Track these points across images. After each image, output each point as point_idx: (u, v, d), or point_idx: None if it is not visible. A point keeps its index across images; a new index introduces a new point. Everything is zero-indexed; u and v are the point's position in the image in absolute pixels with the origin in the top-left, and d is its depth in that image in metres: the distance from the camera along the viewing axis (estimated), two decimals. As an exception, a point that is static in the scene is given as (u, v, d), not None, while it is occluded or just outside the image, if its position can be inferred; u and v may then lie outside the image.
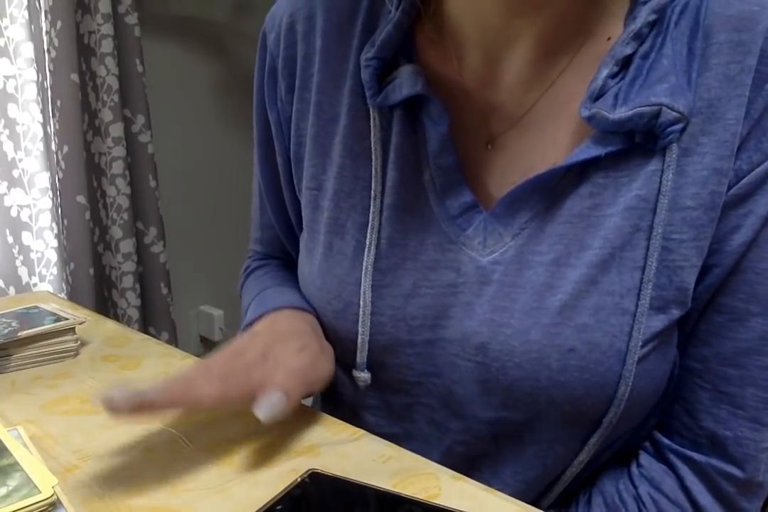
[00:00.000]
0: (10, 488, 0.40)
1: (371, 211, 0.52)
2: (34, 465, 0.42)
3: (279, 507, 0.38)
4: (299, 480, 0.40)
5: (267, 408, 0.44)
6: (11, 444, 0.44)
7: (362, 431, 0.50)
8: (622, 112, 0.43)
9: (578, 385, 0.46)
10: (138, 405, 0.41)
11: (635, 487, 0.51)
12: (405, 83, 0.49)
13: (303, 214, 0.58)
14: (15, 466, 0.42)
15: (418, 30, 0.53)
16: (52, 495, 0.39)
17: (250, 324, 0.57)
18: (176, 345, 1.65)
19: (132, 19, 1.52)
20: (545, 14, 0.47)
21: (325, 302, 0.55)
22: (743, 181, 0.45)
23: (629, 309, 0.46)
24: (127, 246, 1.59)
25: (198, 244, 1.89)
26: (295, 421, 0.50)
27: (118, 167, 1.54)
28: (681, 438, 0.51)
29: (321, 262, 0.55)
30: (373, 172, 0.52)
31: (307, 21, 0.55)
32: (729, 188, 0.45)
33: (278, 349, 0.49)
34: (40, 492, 0.39)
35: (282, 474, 0.45)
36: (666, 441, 0.51)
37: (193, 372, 0.45)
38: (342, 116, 0.53)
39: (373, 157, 0.52)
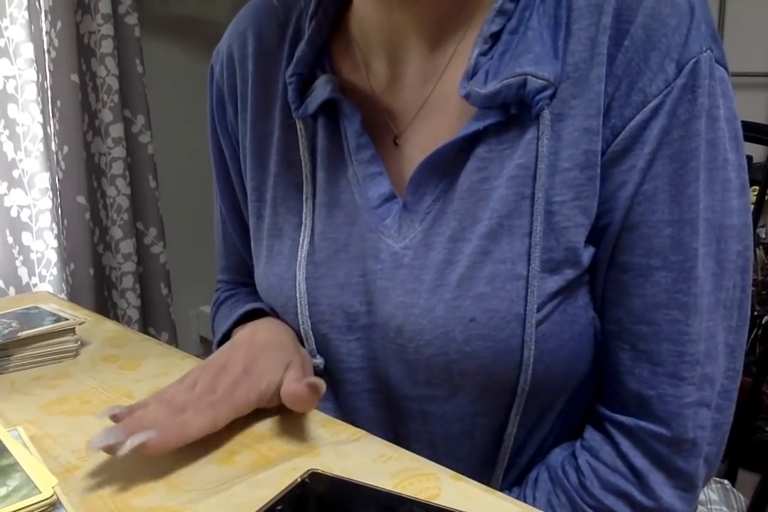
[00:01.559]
0: (10, 488, 0.40)
1: (304, 212, 0.56)
2: (34, 465, 0.42)
3: (279, 507, 0.38)
4: (299, 480, 0.40)
5: (315, 380, 0.47)
6: (11, 444, 0.44)
7: (362, 431, 0.50)
8: (492, 86, 0.46)
9: (485, 354, 0.48)
10: (135, 450, 0.43)
11: (575, 458, 0.52)
12: (319, 92, 0.54)
13: (250, 225, 0.62)
14: (15, 466, 0.42)
15: (334, 45, 0.57)
16: (52, 495, 0.39)
17: (225, 338, 0.60)
18: (176, 346, 1.65)
19: (132, 19, 1.52)
20: (425, 6, 0.50)
21: (272, 300, 0.59)
22: (620, 138, 0.46)
23: (522, 274, 0.47)
24: (127, 246, 1.59)
25: (198, 244, 1.89)
26: (295, 421, 0.50)
27: (118, 167, 1.54)
28: (613, 404, 0.51)
29: (264, 265, 0.59)
30: (304, 176, 0.56)
31: (242, 49, 0.60)
32: (608, 146, 0.46)
33: (263, 363, 0.52)
34: (40, 492, 0.39)
35: (282, 474, 0.45)
36: (602, 409, 0.52)
37: (182, 398, 0.47)
38: (275, 130, 0.58)
39: (303, 163, 0.56)
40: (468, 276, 0.48)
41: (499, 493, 0.43)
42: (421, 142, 0.53)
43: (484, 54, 0.48)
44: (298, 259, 0.55)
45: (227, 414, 0.47)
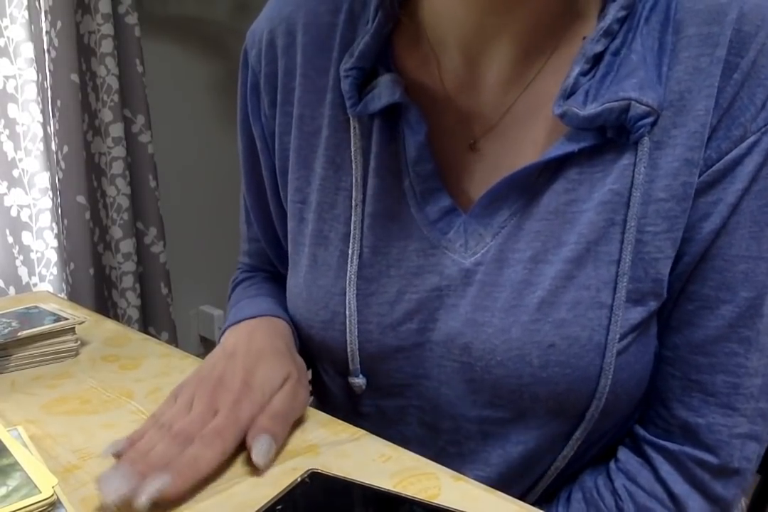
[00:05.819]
0: (10, 488, 0.40)
1: (353, 220, 0.52)
2: (34, 465, 0.42)
3: (279, 507, 0.38)
4: (299, 480, 0.40)
5: (262, 455, 0.44)
6: (11, 444, 0.44)
7: (362, 431, 0.50)
8: (592, 109, 0.44)
9: (560, 380, 0.47)
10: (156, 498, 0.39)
11: (612, 481, 0.51)
12: (384, 92, 0.49)
13: (288, 227, 0.58)
14: (15, 466, 0.42)
15: (397, 38, 0.53)
16: (52, 495, 0.39)
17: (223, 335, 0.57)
18: (176, 345, 1.65)
19: (132, 19, 1.52)
20: (519, 13, 0.47)
21: (312, 314, 0.55)
22: (712, 169, 0.45)
23: (606, 302, 0.46)
24: (127, 246, 1.59)
25: (198, 244, 1.89)
26: (295, 421, 0.50)
27: (118, 167, 1.54)
28: (655, 428, 0.51)
29: (306, 274, 0.55)
30: (354, 181, 0.52)
31: (286, 36, 0.55)
32: (699, 176, 0.46)
33: (261, 375, 0.49)
34: (40, 492, 0.39)
35: (282, 474, 0.45)
36: (642, 432, 0.51)
37: (183, 423, 0.44)
38: (324, 128, 0.54)
39: (354, 166, 0.52)
40: (549, 300, 0.47)
41: (499, 493, 0.43)
42: (499, 153, 0.51)
43: (584, 74, 0.46)
44: (348, 274, 0.52)
45: (236, 438, 0.45)
